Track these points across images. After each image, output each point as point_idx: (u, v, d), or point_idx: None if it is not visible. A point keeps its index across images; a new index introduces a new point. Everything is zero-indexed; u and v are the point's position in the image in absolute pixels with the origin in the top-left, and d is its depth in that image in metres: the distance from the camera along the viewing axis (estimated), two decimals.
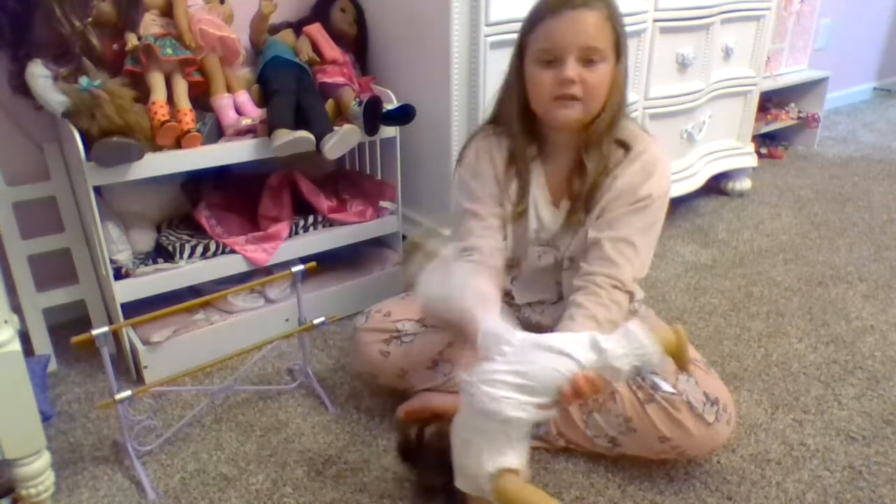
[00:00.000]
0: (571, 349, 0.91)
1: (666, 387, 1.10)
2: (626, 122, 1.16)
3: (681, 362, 0.96)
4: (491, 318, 0.97)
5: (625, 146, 1.14)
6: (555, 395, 0.90)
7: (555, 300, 1.25)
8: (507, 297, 1.30)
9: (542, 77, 1.08)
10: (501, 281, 1.18)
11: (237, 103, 1.50)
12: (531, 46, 1.10)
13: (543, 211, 1.19)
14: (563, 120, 1.10)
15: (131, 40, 1.39)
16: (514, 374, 0.89)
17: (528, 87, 1.12)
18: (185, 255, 1.47)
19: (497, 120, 1.21)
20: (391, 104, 1.61)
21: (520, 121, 1.15)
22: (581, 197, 1.14)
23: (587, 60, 1.06)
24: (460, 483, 0.95)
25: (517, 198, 1.18)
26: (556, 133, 1.16)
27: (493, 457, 0.89)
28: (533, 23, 1.10)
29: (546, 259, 1.22)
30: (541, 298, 1.27)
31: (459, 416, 0.95)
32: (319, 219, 1.65)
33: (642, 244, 1.13)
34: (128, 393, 1.15)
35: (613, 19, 1.07)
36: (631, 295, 1.12)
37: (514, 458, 0.90)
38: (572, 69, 1.05)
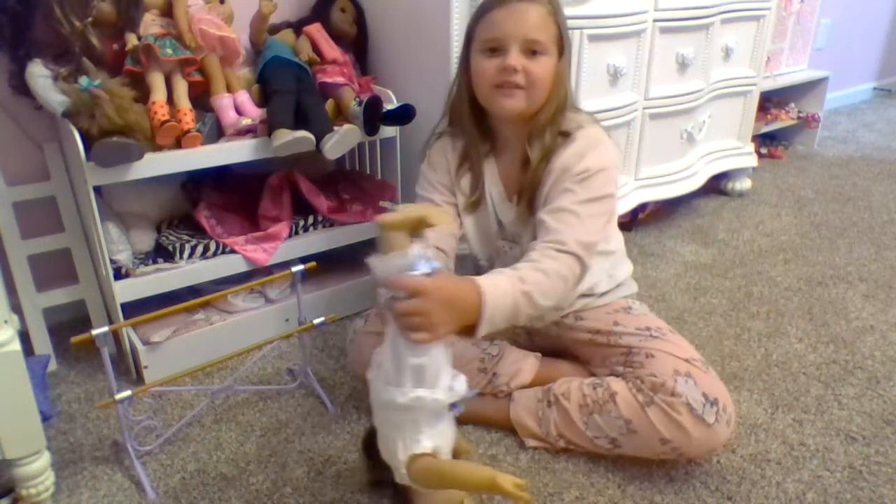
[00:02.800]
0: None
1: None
2: (574, 114, 1.19)
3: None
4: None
5: (567, 135, 1.16)
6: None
7: None
8: None
9: (485, 65, 1.12)
10: (450, 263, 1.21)
11: (237, 103, 1.50)
12: (477, 37, 1.14)
13: (500, 206, 1.24)
14: (507, 109, 1.13)
15: (131, 40, 1.38)
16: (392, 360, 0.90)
17: (473, 77, 1.16)
18: (185, 255, 1.47)
19: (451, 120, 1.25)
20: (391, 104, 1.61)
21: (470, 115, 1.20)
22: (526, 189, 1.17)
23: (530, 52, 1.10)
24: (397, 476, 0.94)
25: (470, 190, 1.24)
26: (505, 127, 1.20)
27: (406, 445, 0.90)
28: (480, 14, 1.14)
29: (514, 252, 1.25)
30: None
31: (373, 412, 0.96)
32: (319, 219, 1.65)
33: (585, 212, 1.10)
34: (128, 393, 1.15)
35: (556, 15, 1.12)
36: (579, 258, 1.08)
37: (428, 442, 0.89)
38: (515, 58, 1.09)
